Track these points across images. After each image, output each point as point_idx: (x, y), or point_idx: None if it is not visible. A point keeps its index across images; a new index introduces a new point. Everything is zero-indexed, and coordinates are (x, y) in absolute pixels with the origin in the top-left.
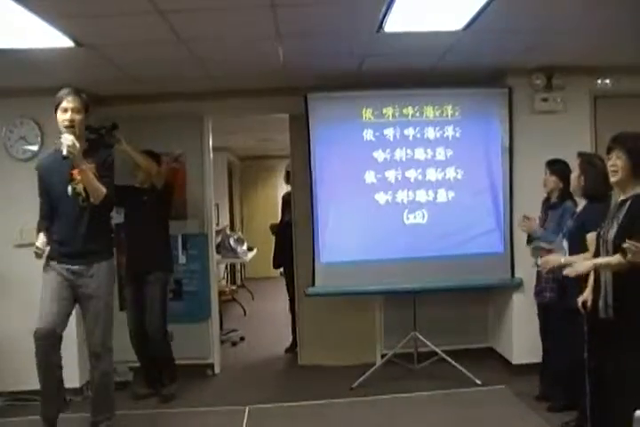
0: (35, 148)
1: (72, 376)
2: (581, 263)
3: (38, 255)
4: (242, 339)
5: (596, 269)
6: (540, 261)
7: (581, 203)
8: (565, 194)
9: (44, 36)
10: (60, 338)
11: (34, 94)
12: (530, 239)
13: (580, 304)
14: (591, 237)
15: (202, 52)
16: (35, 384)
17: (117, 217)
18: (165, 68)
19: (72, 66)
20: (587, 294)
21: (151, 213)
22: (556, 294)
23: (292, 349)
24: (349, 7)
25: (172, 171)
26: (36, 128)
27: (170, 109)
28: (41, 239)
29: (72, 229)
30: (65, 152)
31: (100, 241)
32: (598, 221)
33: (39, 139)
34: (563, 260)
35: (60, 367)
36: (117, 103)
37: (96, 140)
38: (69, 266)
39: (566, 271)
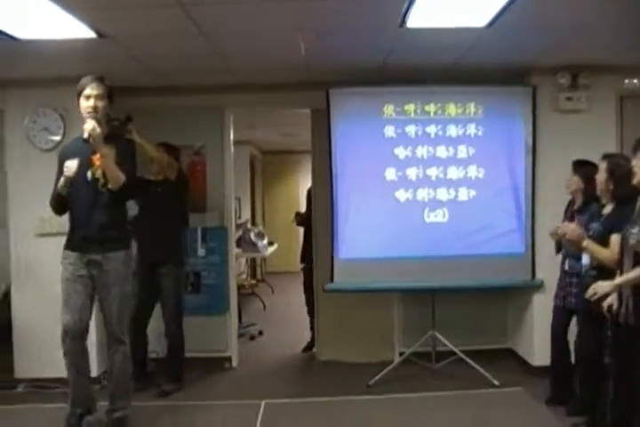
0: (57, 138)
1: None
2: (602, 285)
3: (69, 174)
4: (260, 333)
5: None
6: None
7: (609, 206)
8: (589, 196)
9: (67, 27)
10: (86, 331)
11: (57, 85)
12: (559, 248)
13: (605, 309)
14: (615, 238)
15: (223, 46)
16: (55, 372)
17: (132, 210)
18: (187, 61)
19: (94, 57)
20: (612, 299)
21: (165, 205)
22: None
23: (310, 348)
24: (372, 2)
25: (190, 163)
26: (59, 119)
27: (191, 102)
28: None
29: (89, 214)
30: (86, 135)
31: (116, 229)
32: (623, 224)
33: (62, 129)
34: (585, 242)
35: (87, 360)
36: (139, 95)
37: (116, 129)
38: (85, 254)
39: (587, 296)
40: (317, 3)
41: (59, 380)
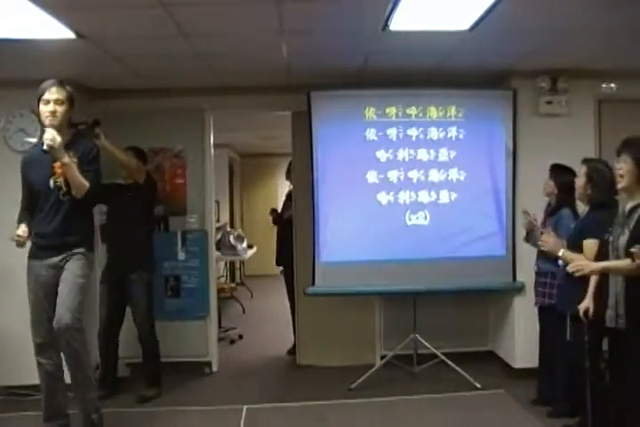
0: (34, 140)
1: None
2: (589, 264)
3: (20, 244)
4: (240, 337)
5: (602, 278)
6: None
7: (585, 209)
8: (562, 200)
9: (45, 28)
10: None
11: (34, 86)
12: (528, 236)
13: (581, 313)
14: (589, 243)
15: (204, 47)
16: (29, 379)
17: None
18: (167, 63)
19: (73, 58)
20: (588, 302)
21: (135, 209)
22: (553, 299)
23: (294, 351)
24: (355, 4)
25: (171, 166)
26: (36, 120)
27: (171, 104)
28: (22, 228)
29: (50, 221)
30: (45, 146)
31: (77, 234)
32: (597, 229)
33: (38, 131)
34: (561, 252)
35: (62, 373)
36: (118, 97)
37: (79, 134)
38: (47, 260)
39: (571, 268)
40: (300, 5)
41: (33, 387)
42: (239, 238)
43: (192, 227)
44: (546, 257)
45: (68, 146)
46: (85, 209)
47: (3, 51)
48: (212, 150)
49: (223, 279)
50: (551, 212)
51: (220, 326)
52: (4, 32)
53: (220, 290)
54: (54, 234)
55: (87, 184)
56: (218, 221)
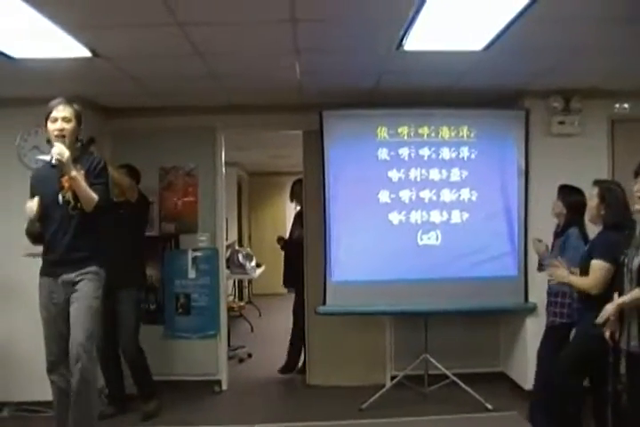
0: (47, 157)
1: None
2: (606, 308)
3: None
4: (249, 356)
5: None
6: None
7: (596, 230)
8: (570, 221)
9: (62, 46)
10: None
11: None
12: (541, 265)
13: (607, 335)
14: (596, 264)
15: (218, 66)
16: (40, 395)
17: None
18: (181, 82)
19: (88, 77)
20: (613, 324)
21: (126, 227)
22: (564, 318)
23: (288, 370)
24: (370, 24)
25: (182, 184)
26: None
27: (183, 123)
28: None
29: (59, 236)
30: (54, 161)
31: (86, 249)
32: (607, 250)
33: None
34: (570, 279)
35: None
36: (131, 115)
37: (85, 150)
38: (59, 278)
39: (598, 320)
40: (315, 25)
41: (44, 403)
42: (248, 257)
43: (203, 245)
44: None
45: (75, 161)
46: (95, 223)
47: (20, 70)
48: (224, 169)
49: (232, 298)
50: (559, 232)
51: (229, 345)
52: (22, 51)
53: (229, 308)
54: (65, 249)
55: (96, 197)
56: (226, 239)
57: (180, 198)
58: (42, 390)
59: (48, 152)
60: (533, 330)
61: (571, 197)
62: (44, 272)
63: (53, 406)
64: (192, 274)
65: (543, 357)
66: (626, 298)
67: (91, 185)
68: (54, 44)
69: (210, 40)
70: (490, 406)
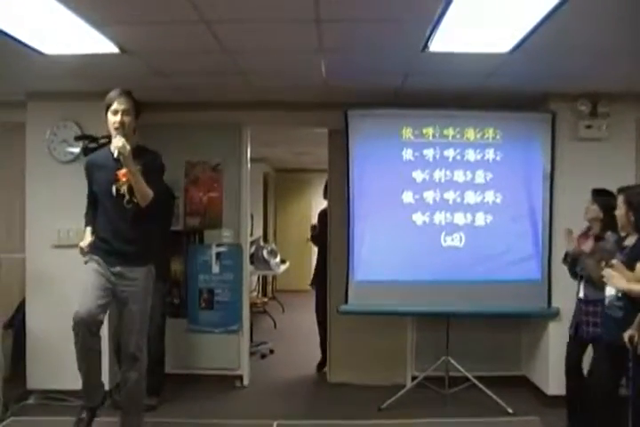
0: (76, 150)
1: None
2: (620, 280)
3: (83, 253)
4: (271, 352)
5: None
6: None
7: (631, 237)
8: (606, 225)
9: (91, 42)
10: (101, 323)
11: (77, 98)
12: (567, 258)
13: (626, 339)
14: None
15: (245, 63)
16: (67, 384)
17: None
18: (207, 78)
19: (115, 72)
20: (633, 330)
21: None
22: (598, 329)
23: (322, 367)
24: (396, 25)
25: (207, 179)
26: (79, 131)
27: (209, 118)
28: (87, 238)
29: (114, 228)
30: (116, 154)
31: (140, 244)
32: None
33: (80, 142)
34: (625, 286)
35: (100, 353)
36: (158, 110)
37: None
38: (111, 268)
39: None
40: (340, 24)
41: (71, 392)
42: (272, 253)
43: (227, 240)
44: (593, 284)
45: (132, 155)
46: (149, 218)
47: (50, 65)
48: (249, 164)
49: (255, 293)
50: (598, 236)
51: (251, 341)
52: (52, 47)
53: (252, 304)
54: (119, 242)
55: (151, 193)
56: (251, 235)
57: (205, 193)
58: (68, 380)
59: (76, 145)
60: (556, 335)
61: (606, 200)
62: (96, 256)
63: (80, 373)
64: (216, 269)
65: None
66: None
67: (146, 181)
68: (83, 40)
69: (236, 37)
70: (511, 410)
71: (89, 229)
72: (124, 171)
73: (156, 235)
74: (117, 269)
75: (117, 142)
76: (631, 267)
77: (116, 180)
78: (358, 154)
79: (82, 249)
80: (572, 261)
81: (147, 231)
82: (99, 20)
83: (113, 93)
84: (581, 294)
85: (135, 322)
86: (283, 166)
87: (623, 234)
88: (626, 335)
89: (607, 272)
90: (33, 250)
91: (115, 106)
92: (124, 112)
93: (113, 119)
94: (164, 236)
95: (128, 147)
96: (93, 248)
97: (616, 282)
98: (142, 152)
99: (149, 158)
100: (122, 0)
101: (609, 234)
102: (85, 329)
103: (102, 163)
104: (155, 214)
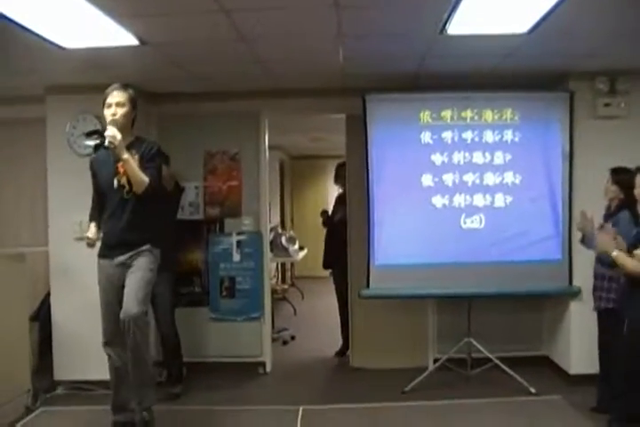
0: (93, 142)
1: None
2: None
3: (90, 245)
4: (292, 338)
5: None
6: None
7: None
8: (624, 204)
9: (110, 35)
10: None
11: (96, 91)
12: (584, 238)
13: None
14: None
15: (263, 51)
16: (94, 374)
17: None
18: (226, 66)
19: (135, 64)
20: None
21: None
22: (610, 303)
23: (342, 353)
24: (414, 9)
25: (226, 168)
26: (98, 124)
27: (227, 108)
28: (92, 229)
29: (116, 220)
30: (106, 143)
31: (142, 232)
32: None
33: (93, 137)
34: (615, 253)
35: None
36: (177, 100)
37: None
38: (115, 259)
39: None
40: (359, 10)
41: (98, 382)
42: (291, 240)
43: (247, 229)
44: (602, 260)
45: (130, 146)
46: (150, 207)
47: (70, 58)
48: (267, 153)
49: (275, 280)
50: (610, 214)
51: (272, 327)
52: (72, 41)
53: (272, 291)
54: (121, 232)
55: (147, 180)
56: (269, 222)
57: (224, 182)
58: (95, 370)
59: (96, 138)
60: (577, 314)
61: (625, 178)
62: (102, 254)
63: (110, 380)
64: (236, 257)
65: (599, 342)
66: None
67: (143, 169)
68: (103, 33)
69: (254, 25)
70: (533, 390)
71: (93, 223)
72: (122, 162)
73: (159, 222)
74: (120, 258)
75: (108, 132)
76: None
77: (117, 173)
78: (376, 138)
79: (89, 239)
80: (582, 236)
81: (148, 219)
82: (118, 13)
83: (109, 88)
84: (592, 270)
85: (132, 285)
86: (299, 153)
87: None
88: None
89: (600, 236)
90: (56, 243)
91: (108, 99)
92: (118, 104)
93: (107, 112)
94: (172, 227)
95: (119, 136)
96: (100, 247)
97: (604, 246)
98: (140, 142)
99: (146, 147)
100: None
101: (624, 213)
102: (110, 345)
103: (104, 159)
104: (155, 202)
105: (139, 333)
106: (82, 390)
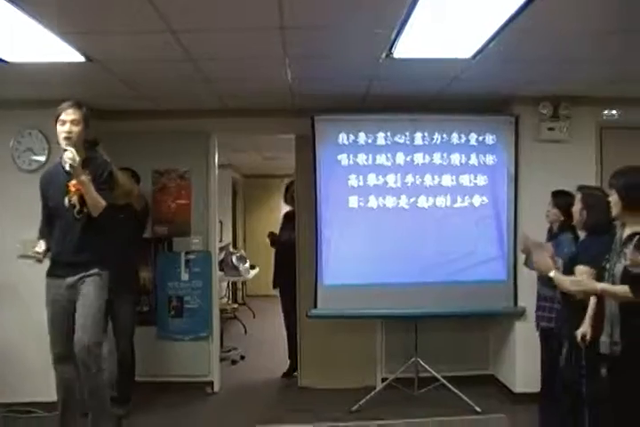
0: (42, 158)
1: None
2: (590, 282)
3: (38, 260)
4: (242, 357)
5: (599, 303)
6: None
7: (582, 235)
8: (565, 226)
9: (56, 51)
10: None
11: (42, 106)
12: (527, 261)
13: (579, 338)
14: (581, 269)
15: (210, 71)
16: (33, 396)
17: None
18: (174, 86)
19: (81, 80)
20: (586, 327)
21: (124, 232)
22: (552, 323)
23: (289, 373)
24: (359, 32)
25: (175, 187)
26: (44, 140)
27: (177, 126)
28: (41, 244)
29: (65, 239)
30: (67, 167)
31: (91, 252)
32: (591, 255)
33: (46, 150)
34: (552, 273)
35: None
36: (125, 118)
37: (93, 154)
38: (62, 279)
39: (570, 286)
40: (304, 32)
41: (37, 404)
42: (242, 259)
43: (196, 248)
44: (544, 281)
45: (83, 163)
46: (100, 227)
47: (14, 73)
48: (217, 172)
49: (225, 300)
50: (552, 236)
51: (221, 346)
52: (16, 56)
53: (222, 310)
54: (69, 252)
55: (103, 203)
56: (221, 241)
57: (173, 201)
58: (34, 391)
59: (42, 154)
60: (522, 334)
61: (565, 202)
62: (50, 273)
63: (57, 401)
64: (185, 276)
65: (542, 361)
66: (607, 287)
67: (97, 190)
68: (48, 48)
69: (201, 46)
70: (478, 409)
71: (42, 240)
72: (74, 182)
73: (110, 243)
74: (68, 280)
75: (68, 154)
76: (571, 265)
77: (68, 191)
78: (325, 159)
79: (37, 253)
80: (526, 259)
81: (98, 240)
82: (63, 30)
83: (63, 104)
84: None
85: (83, 319)
86: (251, 172)
87: (578, 232)
88: (578, 333)
89: (536, 256)
90: None
91: (63, 116)
92: (73, 122)
93: (61, 129)
94: (135, 247)
95: (78, 158)
96: (49, 266)
97: (542, 266)
98: (92, 162)
99: (99, 167)
100: (88, 10)
101: (565, 235)
102: (60, 364)
103: (53, 177)
104: (105, 222)
105: (93, 363)
106: (20, 412)
